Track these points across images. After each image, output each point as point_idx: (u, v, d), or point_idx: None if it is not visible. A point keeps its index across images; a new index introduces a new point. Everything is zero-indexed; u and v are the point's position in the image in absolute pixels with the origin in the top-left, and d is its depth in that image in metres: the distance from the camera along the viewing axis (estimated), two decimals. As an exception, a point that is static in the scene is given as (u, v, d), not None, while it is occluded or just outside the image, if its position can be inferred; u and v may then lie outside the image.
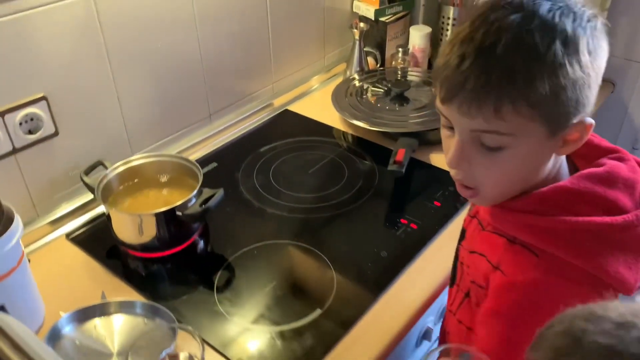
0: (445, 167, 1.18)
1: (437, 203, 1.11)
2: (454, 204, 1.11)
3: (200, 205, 0.97)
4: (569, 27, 0.57)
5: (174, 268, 1.01)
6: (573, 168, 0.70)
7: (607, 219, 0.61)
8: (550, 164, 0.65)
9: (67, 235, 1.06)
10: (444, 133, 0.66)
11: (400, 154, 1.14)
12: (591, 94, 0.60)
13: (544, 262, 0.62)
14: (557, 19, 0.57)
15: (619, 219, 0.61)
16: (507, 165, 0.61)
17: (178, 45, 1.17)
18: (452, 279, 0.83)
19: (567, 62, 0.56)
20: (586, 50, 0.57)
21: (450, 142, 0.64)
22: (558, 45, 0.56)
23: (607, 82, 1.55)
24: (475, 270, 0.72)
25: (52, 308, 0.89)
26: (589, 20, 0.58)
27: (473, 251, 0.73)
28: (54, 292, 0.92)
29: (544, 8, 0.57)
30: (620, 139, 1.62)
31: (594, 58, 0.58)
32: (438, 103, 0.63)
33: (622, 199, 0.63)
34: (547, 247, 0.62)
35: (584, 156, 0.70)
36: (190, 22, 1.17)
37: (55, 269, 0.98)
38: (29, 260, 0.86)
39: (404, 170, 1.12)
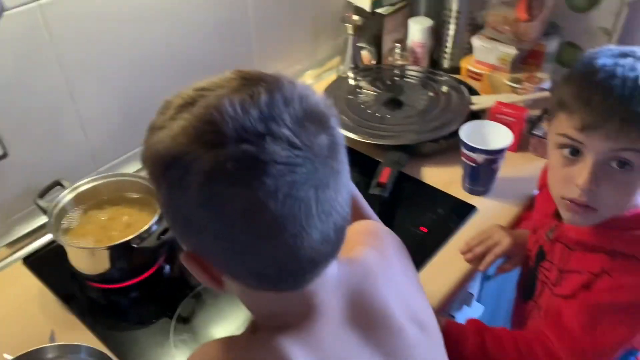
0: (438, 186, 1.10)
1: (423, 229, 1.01)
2: (442, 230, 1.01)
3: (158, 237, 0.89)
4: None
5: (136, 298, 0.95)
6: None
7: None
8: None
9: (25, 260, 0.99)
10: (562, 160, 0.72)
11: (385, 174, 1.04)
12: None
13: None
14: None
15: None
16: (634, 185, 0.70)
17: (143, 45, 1.06)
18: (529, 295, 0.90)
19: None
20: None
21: (573, 167, 0.70)
22: None
23: None
24: (566, 286, 0.80)
25: (-2, 349, 0.83)
26: None
27: (564, 270, 0.81)
28: (3, 329, 0.87)
29: None
30: None
31: None
32: (571, 131, 0.68)
33: None
34: None
35: None
36: (155, 16, 1.05)
37: (7, 301, 0.92)
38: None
39: (387, 193, 1.02)
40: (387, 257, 0.65)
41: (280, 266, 0.48)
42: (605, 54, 0.70)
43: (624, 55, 0.68)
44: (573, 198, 0.72)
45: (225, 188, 0.43)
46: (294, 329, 0.53)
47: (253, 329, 0.57)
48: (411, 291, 0.66)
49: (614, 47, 0.71)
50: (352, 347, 0.56)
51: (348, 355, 0.55)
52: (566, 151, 0.71)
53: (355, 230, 0.66)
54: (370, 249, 0.63)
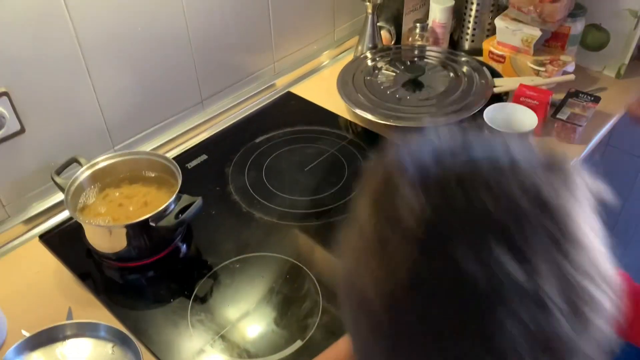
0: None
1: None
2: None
3: (176, 216, 0.88)
4: None
5: (153, 277, 0.94)
6: None
7: None
8: None
9: (41, 237, 0.99)
10: None
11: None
12: None
13: None
14: None
15: None
16: None
17: (161, 21, 1.04)
18: None
19: None
20: None
21: None
22: None
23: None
24: None
25: (16, 325, 0.83)
26: None
27: None
28: (20, 306, 0.87)
29: None
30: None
31: None
32: None
33: None
34: None
35: None
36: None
37: (24, 277, 0.92)
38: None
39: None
40: None
41: None
42: None
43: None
44: None
45: None
46: None
47: None
48: None
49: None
50: None
51: None
52: None
53: None
54: None
